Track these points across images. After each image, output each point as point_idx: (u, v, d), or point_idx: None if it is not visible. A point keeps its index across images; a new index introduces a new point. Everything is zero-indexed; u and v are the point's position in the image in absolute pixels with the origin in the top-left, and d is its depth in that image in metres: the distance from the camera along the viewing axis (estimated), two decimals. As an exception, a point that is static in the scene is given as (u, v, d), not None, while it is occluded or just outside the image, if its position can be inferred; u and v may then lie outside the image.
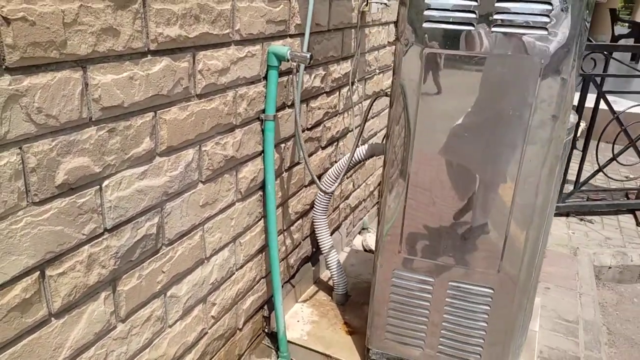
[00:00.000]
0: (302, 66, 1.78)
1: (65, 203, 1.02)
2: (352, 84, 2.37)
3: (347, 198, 2.66)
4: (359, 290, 2.37)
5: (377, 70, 2.70)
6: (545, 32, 1.34)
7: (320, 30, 1.94)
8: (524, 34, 1.35)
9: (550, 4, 1.31)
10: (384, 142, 1.87)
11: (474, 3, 1.37)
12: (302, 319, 2.14)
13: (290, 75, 1.79)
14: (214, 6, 1.33)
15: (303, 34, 1.82)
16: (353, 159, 1.98)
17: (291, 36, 1.75)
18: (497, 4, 1.35)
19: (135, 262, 1.26)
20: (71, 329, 1.10)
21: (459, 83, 1.45)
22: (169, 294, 1.41)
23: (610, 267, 3.24)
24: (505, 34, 1.37)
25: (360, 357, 1.94)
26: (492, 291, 1.63)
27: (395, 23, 2.82)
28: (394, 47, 2.88)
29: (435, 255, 1.65)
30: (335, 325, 2.11)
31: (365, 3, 2.21)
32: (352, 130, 2.51)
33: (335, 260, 2.21)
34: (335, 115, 2.28)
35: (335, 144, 2.36)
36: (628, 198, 3.86)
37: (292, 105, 1.86)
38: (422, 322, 1.75)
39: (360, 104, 2.55)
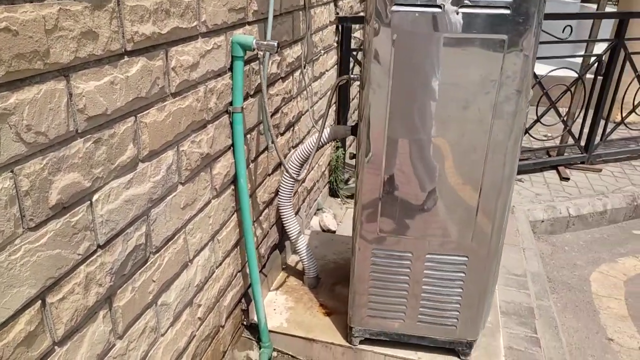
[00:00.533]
0: (268, 54, 1.74)
1: (60, 224, 0.95)
2: (304, 66, 2.36)
3: (303, 181, 2.67)
4: (327, 271, 2.41)
5: (322, 51, 2.70)
6: (508, 11, 1.41)
7: (274, 15, 1.89)
8: (488, 14, 1.42)
9: (511, -16, 1.38)
10: (352, 124, 1.89)
11: (440, -15, 1.41)
12: (278, 306, 2.15)
13: (251, 65, 1.74)
14: (181, -2, 1.26)
15: (260, 21, 1.77)
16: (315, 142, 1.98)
17: (249, 23, 1.70)
18: (461, -14, 1.40)
19: (127, 275, 1.20)
20: (75, 355, 1.04)
21: (429, 63, 1.49)
22: (159, 302, 1.36)
23: (543, 221, 3.53)
24: (471, 14, 1.42)
25: (342, 336, 1.99)
26: (467, 259, 1.73)
27: (335, 1, 2.82)
28: (334, 26, 2.88)
29: (412, 231, 1.72)
30: (312, 309, 2.14)
31: (312, -16, 2.18)
32: (305, 113, 2.51)
33: (304, 245, 2.23)
34: (291, 100, 2.26)
35: (292, 129, 2.35)
36: (550, 156, 4.20)
37: (254, 95, 1.82)
38: (402, 295, 1.82)
39: (309, 87, 2.54)
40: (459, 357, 1.90)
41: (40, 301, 0.92)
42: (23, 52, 0.81)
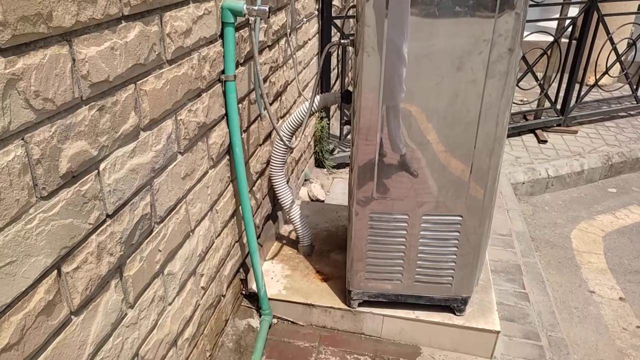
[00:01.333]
0: (259, 20, 1.71)
1: (71, 193, 0.93)
2: (289, 34, 2.33)
3: (291, 152, 2.67)
4: (321, 239, 2.44)
5: (305, 19, 2.67)
6: (499, -30, 1.41)
7: (259, -19, 1.86)
8: (479, -27, 1.42)
9: (502, -59, 1.39)
10: (346, 91, 1.89)
11: (432, -56, 1.40)
12: (275, 275, 2.18)
13: (240, 32, 1.72)
14: (173, -39, 1.22)
15: (247, -14, 1.74)
16: (307, 110, 1.98)
17: (237, -11, 1.67)
18: (453, -56, 1.40)
19: (135, 245, 1.19)
20: (91, 323, 1.04)
21: (422, 26, 1.50)
22: (166, 271, 1.36)
23: (523, 183, 3.63)
24: (462, -27, 1.43)
25: (340, 300, 2.03)
26: (461, 218, 1.78)
27: (315, -31, 2.77)
28: (315, -6, 2.84)
29: (408, 193, 1.75)
30: (309, 276, 2.18)
31: (295, -51, 2.14)
32: (291, 83, 2.49)
33: (297, 213, 2.24)
34: (278, 70, 2.24)
35: (279, 98, 2.34)
36: (527, 120, 4.28)
37: (244, 63, 1.80)
38: (399, 257, 1.86)
39: (294, 55, 2.52)
40: (454, 313, 1.97)
41: (56, 270, 0.92)
42: (27, 15, 0.78)
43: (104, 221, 1.06)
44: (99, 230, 1.04)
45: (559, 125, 4.23)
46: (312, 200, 2.96)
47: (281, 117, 2.38)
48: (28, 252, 0.84)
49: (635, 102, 4.51)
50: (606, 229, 3.26)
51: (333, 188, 3.16)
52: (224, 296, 1.85)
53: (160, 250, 1.31)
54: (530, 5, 3.59)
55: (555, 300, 2.54)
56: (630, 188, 3.76)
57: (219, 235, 1.73)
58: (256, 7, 1.53)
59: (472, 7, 1.46)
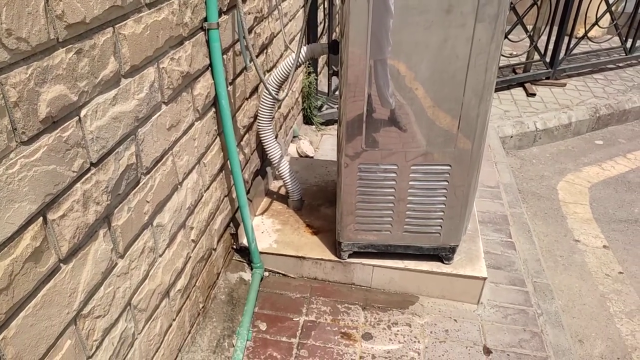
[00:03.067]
0: (241, -36, 1.65)
1: (52, 139, 0.91)
2: (273, -16, 2.26)
3: (279, 107, 2.63)
4: (310, 194, 2.44)
5: (289, -31, 2.58)
6: None
7: None
8: None
9: None
10: (334, 42, 1.84)
11: None
12: (266, 230, 2.18)
13: (223, -22, 1.65)
14: None
15: None
16: (294, 61, 1.94)
17: None
18: None
19: (122, 195, 1.18)
20: (80, 272, 1.04)
21: (410, -33, 1.45)
22: (155, 223, 1.36)
23: (512, 136, 3.64)
24: None
25: (331, 252, 2.05)
26: (450, 167, 1.78)
27: None
28: (299, -58, 2.74)
29: (396, 143, 1.74)
30: (299, 230, 2.19)
31: None
32: (277, 35, 2.43)
33: (287, 168, 2.23)
34: (262, 20, 2.18)
35: (265, 51, 2.28)
36: (516, 73, 4.26)
37: (227, 12, 1.74)
38: (388, 208, 1.87)
39: (279, 6, 2.44)
40: (442, 262, 2.00)
41: (41, 217, 0.91)
42: (-7, -55, 0.74)
43: (89, 169, 1.04)
44: (83, 179, 1.02)
45: (547, 78, 4.21)
46: (301, 156, 2.94)
47: (268, 71, 2.34)
48: (11, 198, 0.82)
49: (624, 54, 4.49)
50: (592, 180, 3.30)
51: (322, 144, 3.14)
52: (214, 250, 1.85)
53: (148, 202, 1.30)
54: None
55: (540, 249, 2.60)
56: (616, 140, 3.79)
57: (207, 188, 1.72)
58: (238, -50, 1.47)
59: (462, -54, 1.41)
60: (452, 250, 1.97)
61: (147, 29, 1.21)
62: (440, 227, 1.92)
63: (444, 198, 1.85)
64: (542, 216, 2.93)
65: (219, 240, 1.89)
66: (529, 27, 4.03)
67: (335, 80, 3.40)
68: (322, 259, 2.04)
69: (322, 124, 3.34)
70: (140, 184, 1.26)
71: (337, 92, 3.49)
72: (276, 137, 2.60)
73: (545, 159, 3.56)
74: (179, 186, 1.49)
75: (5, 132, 0.80)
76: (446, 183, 1.82)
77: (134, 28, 1.15)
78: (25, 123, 0.84)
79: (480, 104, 1.66)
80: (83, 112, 1.00)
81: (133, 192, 1.23)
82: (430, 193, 1.84)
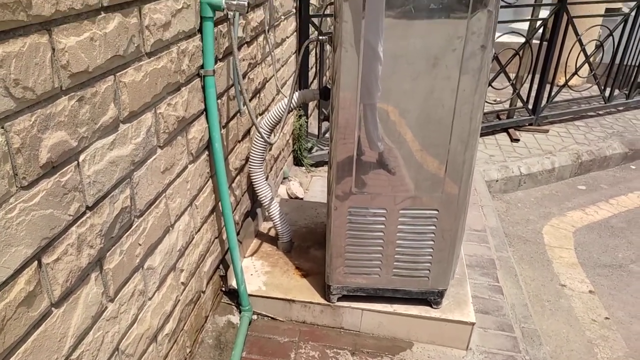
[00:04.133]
0: (238, 15, 1.72)
1: (51, 183, 0.93)
2: (267, 31, 2.34)
3: (270, 149, 2.68)
4: (300, 235, 2.46)
5: (282, 17, 2.68)
6: (473, -31, 1.46)
7: (238, -22, 1.87)
8: (454, -28, 1.46)
9: (476, -59, 1.43)
10: (318, 87, 1.91)
11: (408, -57, 1.44)
12: (255, 272, 2.18)
13: (219, 27, 1.72)
14: (152, -46, 1.23)
15: (226, -18, 1.74)
16: (286, 106, 1.99)
17: (215, -15, 1.67)
18: (429, -57, 1.43)
19: (115, 238, 1.19)
20: (71, 316, 1.03)
21: (398, 25, 1.53)
22: (146, 266, 1.36)
23: (497, 180, 3.71)
24: (437, -28, 1.46)
25: (320, 295, 2.05)
26: (437, 212, 1.82)
27: (293, -33, 2.79)
28: (293, -8, 2.86)
29: (385, 187, 1.78)
30: (289, 272, 2.19)
31: (273, -53, 2.15)
32: (270, 80, 2.50)
33: (277, 210, 2.25)
34: (256, 66, 2.25)
35: (258, 95, 2.34)
36: (500, 119, 4.38)
37: (223, 59, 1.80)
38: (377, 251, 1.89)
39: (272, 53, 2.53)
40: (431, 306, 2.01)
41: (36, 261, 0.91)
42: (6, 2, 0.78)
43: (84, 213, 1.05)
44: (79, 222, 1.03)
45: (530, 124, 4.34)
46: (291, 197, 2.97)
47: (260, 114, 2.39)
48: (8, 242, 0.83)
49: (603, 102, 4.66)
50: (576, 225, 3.36)
51: (312, 186, 3.18)
52: (203, 292, 1.84)
53: (140, 244, 1.31)
54: (503, 7, 3.68)
55: (528, 294, 2.61)
56: (599, 185, 3.89)
57: (198, 230, 1.73)
58: (235, 2, 1.54)
59: (446, 5, 1.50)
60: (441, 294, 1.98)
61: (146, 77, 1.25)
62: (428, 271, 1.93)
63: (432, 242, 1.88)
64: (528, 260, 2.96)
65: (208, 283, 1.89)
66: (512, 76, 4.18)
67: (325, 124, 3.47)
68: (311, 302, 2.03)
69: (312, 165, 3.38)
70: (133, 227, 1.27)
71: (327, 135, 3.56)
72: (267, 179, 2.64)
73: (530, 203, 3.63)
74: (170, 228, 1.50)
75: (7, 178, 0.82)
76: (434, 227, 1.85)
77: (134, 76, 1.19)
78: (26, 168, 0.86)
79: (466, 151, 1.71)
80: (82, 157, 1.02)
81: (126, 234, 1.24)
82: (419, 237, 1.87)
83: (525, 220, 3.41)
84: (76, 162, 1.01)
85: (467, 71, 1.59)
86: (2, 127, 0.80)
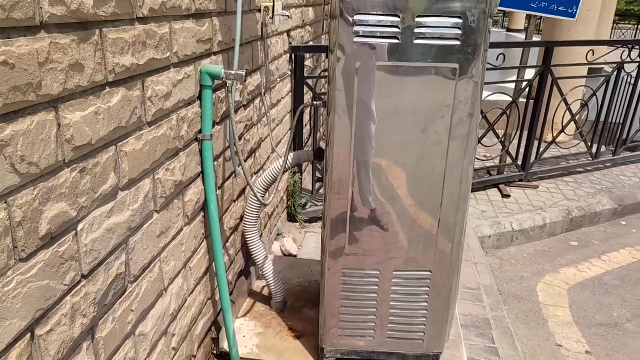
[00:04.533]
0: (236, 83, 1.79)
1: (49, 254, 0.94)
2: (264, 94, 2.42)
3: (264, 206, 2.70)
4: (293, 295, 2.44)
5: (278, 79, 2.78)
6: (458, 43, 1.54)
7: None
8: (441, 45, 1.55)
9: (461, 18, 1.52)
10: (314, 149, 1.96)
11: (397, 19, 1.53)
12: (247, 333, 2.15)
13: (217, 93, 1.79)
14: (156, 30, 1.30)
15: (225, 51, 1.83)
16: (280, 168, 2.04)
17: (215, 53, 1.75)
18: (417, 19, 1.53)
19: (108, 305, 1.19)
20: (60, 389, 1.02)
21: (390, 90, 1.60)
22: (137, 332, 1.34)
23: (490, 237, 3.73)
24: (425, 45, 1.55)
25: (313, 358, 2.02)
26: (431, 273, 1.83)
27: (289, 32, 2.93)
28: (288, 55, 2.98)
29: (379, 249, 1.80)
30: (282, 333, 2.16)
31: (270, 16, 2.27)
32: (265, 139, 2.56)
33: (270, 269, 2.25)
34: (252, 128, 2.31)
35: (253, 155, 2.39)
36: (490, 175, 4.46)
37: (220, 123, 1.86)
38: (371, 313, 1.88)
39: (269, 114, 2.60)
40: (426, 369, 1.97)
41: (29, 334, 0.91)
42: (19, 85, 0.82)
43: (79, 282, 1.06)
44: (73, 292, 1.03)
45: (521, 180, 4.41)
46: (284, 255, 2.96)
47: (255, 173, 2.43)
48: (3, 316, 0.83)
49: (591, 159, 4.77)
50: (570, 282, 3.35)
51: (305, 242, 3.18)
52: (194, 357, 1.81)
53: (132, 310, 1.30)
54: (489, 69, 3.84)
55: (524, 355, 2.58)
56: (590, 241, 3.91)
57: (191, 292, 1.72)
58: (234, 72, 1.61)
59: (435, 74, 1.57)
60: (436, 357, 1.96)
61: (146, 145, 1.29)
62: (423, 333, 1.92)
63: (426, 304, 1.87)
64: (523, 319, 2.94)
65: (199, 346, 1.86)
66: (501, 132, 4.30)
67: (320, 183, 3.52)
68: (304, 366, 1.99)
69: (306, 221, 3.40)
70: (127, 293, 1.27)
71: (321, 191, 3.60)
72: (261, 236, 2.64)
73: (524, 259, 3.64)
74: (164, 292, 1.50)
75: (7, 251, 0.84)
76: (428, 289, 1.85)
77: (134, 145, 1.23)
78: (26, 241, 0.88)
79: (457, 213, 1.75)
80: (80, 226, 1.04)
81: (119, 301, 1.23)
82: (413, 299, 1.87)
83: (519, 277, 3.41)
84: (74, 231, 1.02)
85: (456, 137, 1.65)
86: (6, 202, 0.83)
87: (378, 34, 1.54)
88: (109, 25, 1.08)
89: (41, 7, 0.86)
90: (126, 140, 1.20)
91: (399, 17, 1.52)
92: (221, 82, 1.71)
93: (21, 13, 0.82)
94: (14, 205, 0.84)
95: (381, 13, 1.51)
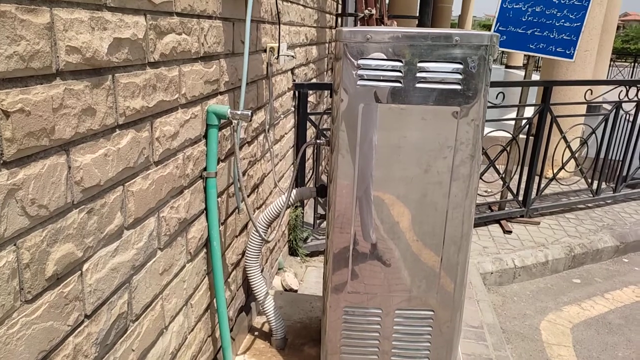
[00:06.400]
0: (241, 122, 1.83)
1: (54, 295, 0.95)
2: (267, 131, 2.46)
3: (266, 242, 2.70)
4: (294, 331, 2.42)
5: (282, 116, 2.83)
6: (459, 87, 1.58)
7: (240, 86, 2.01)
8: (442, 89, 1.59)
9: (461, 64, 1.57)
10: (315, 186, 1.98)
11: (400, 63, 1.57)
12: (247, 371, 2.12)
13: (222, 131, 1.82)
14: (166, 74, 1.34)
15: (231, 90, 1.87)
16: (283, 204, 2.06)
17: (221, 93, 1.80)
18: (419, 64, 1.57)
19: (110, 345, 1.18)
20: None
21: (392, 131, 1.63)
22: (137, 372, 1.34)
23: (492, 273, 3.71)
24: (427, 88, 1.59)
25: (313, 397, 1.99)
26: (433, 312, 1.82)
27: (293, 70, 3.00)
28: (292, 92, 3.04)
29: (381, 287, 1.79)
30: (281, 371, 2.13)
31: (275, 56, 2.33)
32: (268, 175, 2.59)
33: (271, 306, 2.24)
34: (255, 163, 2.34)
35: (256, 190, 2.41)
36: (492, 210, 4.47)
37: (224, 160, 1.88)
38: (373, 352, 1.86)
39: (271, 149, 2.64)
40: (428, 412, 1.94)
41: (31, 376, 0.91)
42: (33, 131, 0.85)
43: (82, 322, 1.06)
44: (76, 332, 1.04)
45: (522, 216, 4.41)
46: (285, 289, 2.95)
47: (257, 208, 2.45)
48: (7, 358, 0.84)
49: (591, 195, 4.78)
50: (573, 321, 3.32)
51: (307, 276, 3.17)
52: (193, 395, 1.79)
53: (133, 350, 1.30)
54: (489, 107, 3.90)
55: (528, 396, 2.53)
56: (593, 279, 3.89)
57: (192, 330, 1.71)
58: (239, 112, 1.65)
59: (436, 116, 1.61)
60: (438, 399, 1.93)
61: (152, 184, 1.31)
62: (425, 374, 1.89)
63: (428, 344, 1.85)
64: (527, 359, 2.89)
65: (198, 385, 1.83)
66: (502, 168, 4.33)
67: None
68: (304, 406, 1.96)
69: (307, 255, 3.39)
70: (128, 332, 1.27)
71: (322, 225, 3.61)
72: (262, 271, 2.64)
73: (526, 296, 3.61)
74: (164, 330, 1.49)
75: (13, 294, 0.84)
76: (430, 328, 1.84)
77: (141, 185, 1.25)
78: (32, 283, 0.89)
79: (459, 253, 1.75)
80: (85, 266, 1.05)
81: (120, 340, 1.23)
82: (415, 338, 1.85)
83: (522, 315, 3.37)
84: (80, 271, 1.03)
85: (458, 177, 1.67)
86: (15, 244, 0.84)
87: (381, 77, 1.58)
88: (121, 70, 1.11)
89: (58, 56, 0.90)
90: (133, 180, 1.22)
91: (401, 61, 1.57)
92: (227, 120, 1.75)
93: (39, 62, 0.85)
94: (22, 247, 0.86)
95: (385, 57, 1.56)
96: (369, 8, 4.56)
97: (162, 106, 1.33)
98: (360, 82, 1.58)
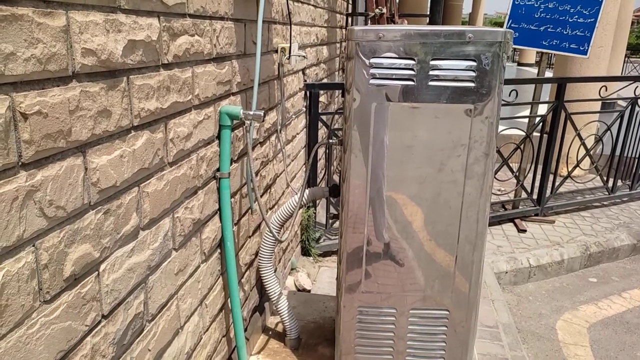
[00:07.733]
0: (253, 122, 1.83)
1: (72, 296, 0.96)
2: (279, 131, 2.47)
3: (280, 242, 2.70)
4: (307, 331, 2.42)
5: (294, 116, 2.83)
6: (473, 84, 1.57)
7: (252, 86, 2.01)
8: (455, 87, 1.57)
9: (475, 61, 1.55)
10: (323, 185, 1.98)
11: (412, 62, 1.56)
12: (261, 371, 2.13)
13: (235, 132, 1.83)
14: (179, 75, 1.34)
15: (243, 91, 1.88)
16: (296, 204, 2.06)
17: (234, 94, 1.80)
18: (432, 62, 1.56)
19: (126, 345, 1.19)
20: None
21: (406, 129, 1.63)
22: (154, 372, 1.34)
23: (506, 272, 3.68)
24: (440, 87, 1.58)
25: (328, 397, 1.98)
26: (448, 312, 1.81)
27: (304, 70, 3.00)
28: (303, 92, 3.04)
29: (395, 286, 1.78)
30: (296, 371, 2.13)
31: (287, 57, 2.33)
32: (280, 175, 2.59)
33: (285, 306, 2.24)
34: (268, 164, 2.34)
35: (269, 191, 2.42)
36: (505, 209, 4.43)
37: (237, 160, 1.89)
38: (387, 352, 1.86)
39: (284, 150, 2.64)
40: (444, 412, 1.92)
41: (50, 376, 0.92)
42: (50, 132, 0.86)
43: (99, 322, 1.07)
44: (94, 332, 1.05)
45: (536, 214, 4.37)
46: (298, 289, 2.95)
47: (270, 209, 2.45)
48: (26, 358, 0.85)
49: (607, 193, 4.72)
50: (590, 320, 3.27)
51: (319, 276, 3.16)
52: (208, 395, 1.79)
53: (149, 350, 1.30)
54: (502, 105, 3.87)
55: (545, 396, 2.50)
56: (610, 278, 3.83)
57: (207, 330, 1.72)
58: (252, 112, 1.65)
59: (450, 114, 1.60)
60: (454, 399, 1.91)
61: (167, 185, 1.32)
62: (440, 374, 1.88)
63: (443, 344, 1.84)
64: (543, 358, 2.86)
65: (213, 385, 1.84)
66: (515, 166, 4.28)
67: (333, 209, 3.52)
68: (319, 406, 1.96)
69: (319, 255, 3.39)
70: (144, 332, 1.28)
71: (335, 225, 3.60)
72: (275, 271, 2.64)
73: (542, 296, 3.57)
74: (180, 330, 1.50)
75: (32, 294, 0.85)
76: (445, 328, 1.83)
77: (156, 185, 1.26)
78: (50, 283, 0.90)
79: (474, 252, 1.74)
80: (102, 267, 1.06)
81: (137, 340, 1.24)
82: (430, 338, 1.84)
83: (537, 314, 3.34)
84: (97, 272, 1.04)
85: (472, 176, 1.66)
86: (33, 245, 0.85)
87: (394, 76, 1.58)
88: (136, 72, 1.12)
89: (74, 59, 0.91)
90: (148, 181, 1.23)
91: (414, 59, 1.56)
92: (239, 121, 1.75)
93: (56, 65, 0.86)
94: (40, 248, 0.87)
95: (397, 56, 1.55)
96: (380, 7, 4.55)
97: (175, 107, 1.33)
98: (372, 81, 1.58)
